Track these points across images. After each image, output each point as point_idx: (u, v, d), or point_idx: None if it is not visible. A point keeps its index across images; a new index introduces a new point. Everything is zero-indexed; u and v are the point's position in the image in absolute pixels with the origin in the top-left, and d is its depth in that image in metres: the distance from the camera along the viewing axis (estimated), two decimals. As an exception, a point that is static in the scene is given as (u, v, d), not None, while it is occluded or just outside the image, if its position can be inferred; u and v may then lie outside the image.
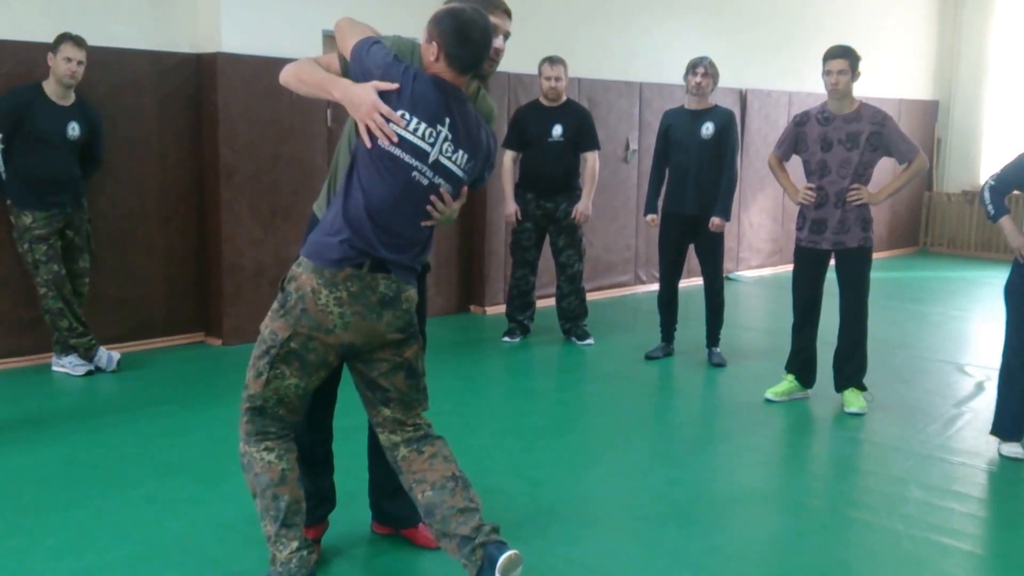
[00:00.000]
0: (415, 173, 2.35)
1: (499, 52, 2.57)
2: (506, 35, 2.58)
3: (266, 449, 2.44)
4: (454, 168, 2.41)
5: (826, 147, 4.28)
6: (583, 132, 5.46)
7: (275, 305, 2.42)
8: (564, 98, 5.51)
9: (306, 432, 2.74)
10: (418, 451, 2.51)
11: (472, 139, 2.43)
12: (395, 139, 2.32)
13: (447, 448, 2.56)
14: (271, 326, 2.41)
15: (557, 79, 5.41)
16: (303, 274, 2.37)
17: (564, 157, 5.47)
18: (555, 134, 5.43)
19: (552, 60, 5.44)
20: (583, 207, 5.47)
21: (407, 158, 2.33)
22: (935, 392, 4.82)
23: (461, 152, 2.40)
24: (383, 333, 2.41)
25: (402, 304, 2.43)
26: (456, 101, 2.39)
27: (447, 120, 2.36)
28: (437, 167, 2.37)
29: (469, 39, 2.34)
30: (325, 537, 2.86)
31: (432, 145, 2.35)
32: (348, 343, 2.40)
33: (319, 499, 2.79)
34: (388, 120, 2.30)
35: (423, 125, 2.33)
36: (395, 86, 2.30)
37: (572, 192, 5.51)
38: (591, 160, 5.51)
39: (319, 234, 2.40)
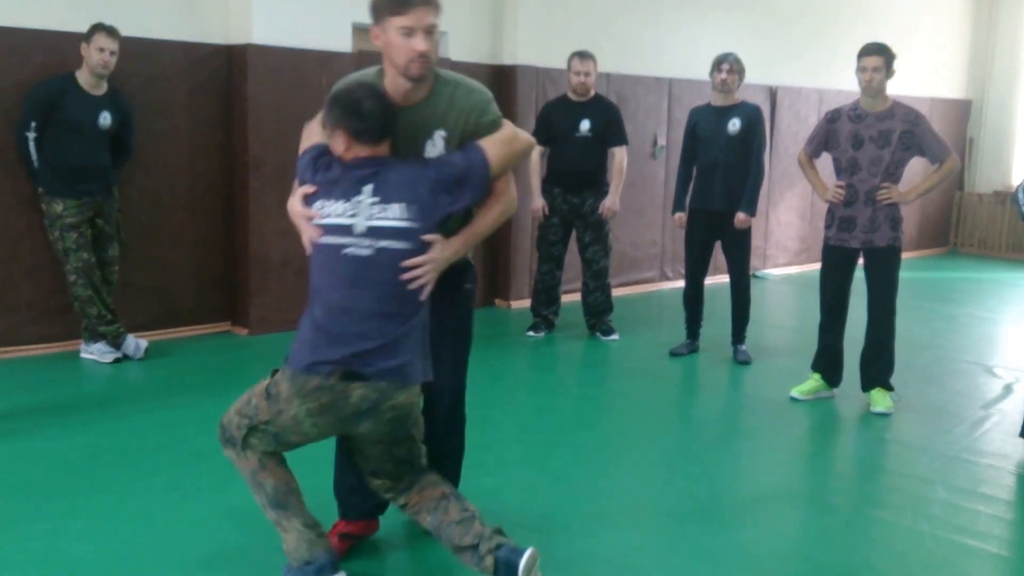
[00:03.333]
0: (349, 249, 2.28)
1: (425, 54, 2.35)
2: (430, 29, 2.36)
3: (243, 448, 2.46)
4: (395, 223, 2.28)
5: (857, 145, 4.23)
6: (611, 127, 5.44)
7: (266, 382, 2.40)
8: (593, 93, 5.49)
9: None
10: (407, 491, 2.53)
11: (406, 186, 2.31)
12: (319, 235, 2.32)
13: (431, 474, 2.57)
14: (255, 400, 2.39)
15: (586, 74, 5.38)
16: (282, 380, 2.34)
17: (591, 152, 5.45)
18: (583, 129, 5.41)
19: (582, 55, 5.42)
20: (610, 203, 5.45)
21: (334, 239, 2.30)
22: (963, 393, 4.76)
23: (395, 205, 2.29)
24: (365, 435, 2.38)
25: (384, 414, 2.32)
26: (377, 165, 2.32)
27: (368, 186, 2.29)
28: (373, 232, 2.28)
29: (363, 112, 2.29)
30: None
31: (354, 216, 2.28)
32: (329, 435, 2.42)
33: (365, 493, 2.72)
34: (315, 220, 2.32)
35: (340, 203, 2.30)
36: (312, 188, 2.34)
37: (599, 187, 5.49)
38: (619, 155, 5.48)
39: (296, 337, 2.37)
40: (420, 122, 2.46)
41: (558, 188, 5.49)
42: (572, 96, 5.49)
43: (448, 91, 2.48)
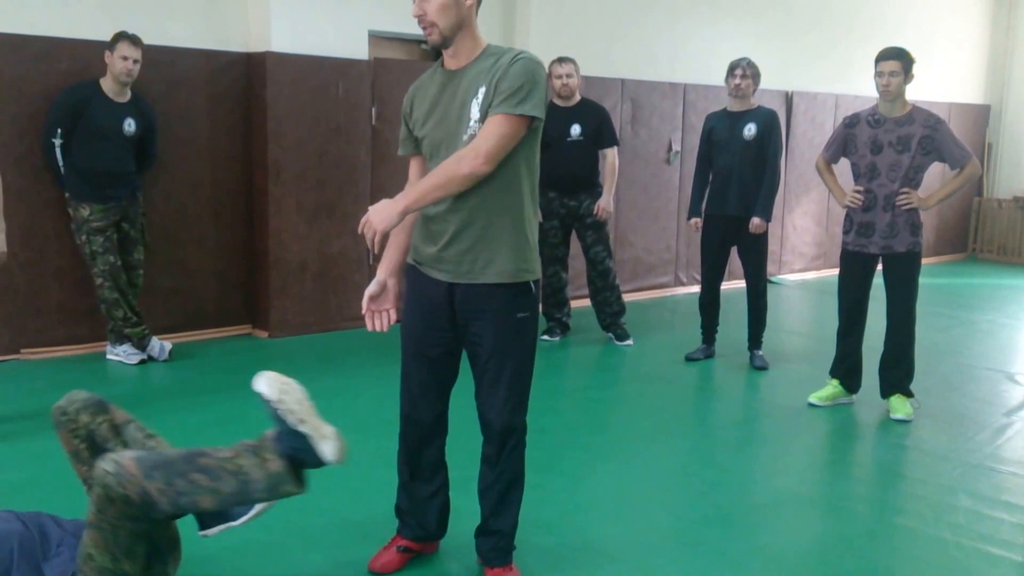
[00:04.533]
0: None
1: (420, 17, 2.36)
2: None
3: None
4: None
5: (876, 150, 4.23)
6: (601, 129, 5.49)
7: None
8: (578, 97, 5.53)
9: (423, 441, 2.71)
10: None
11: None
12: None
13: None
14: None
15: (568, 76, 5.42)
16: None
17: (584, 155, 5.49)
18: (574, 133, 5.45)
19: (561, 59, 5.48)
20: (604, 203, 5.50)
21: None
22: (984, 400, 4.74)
23: None
24: None
25: None
26: None
27: None
28: None
29: None
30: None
31: None
32: None
33: (420, 519, 2.73)
34: None
35: None
36: None
37: (594, 189, 5.54)
38: (610, 156, 5.53)
39: None
40: (464, 85, 2.44)
41: (554, 192, 5.52)
42: (558, 101, 5.52)
43: (497, 52, 2.45)
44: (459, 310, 2.52)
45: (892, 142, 4.19)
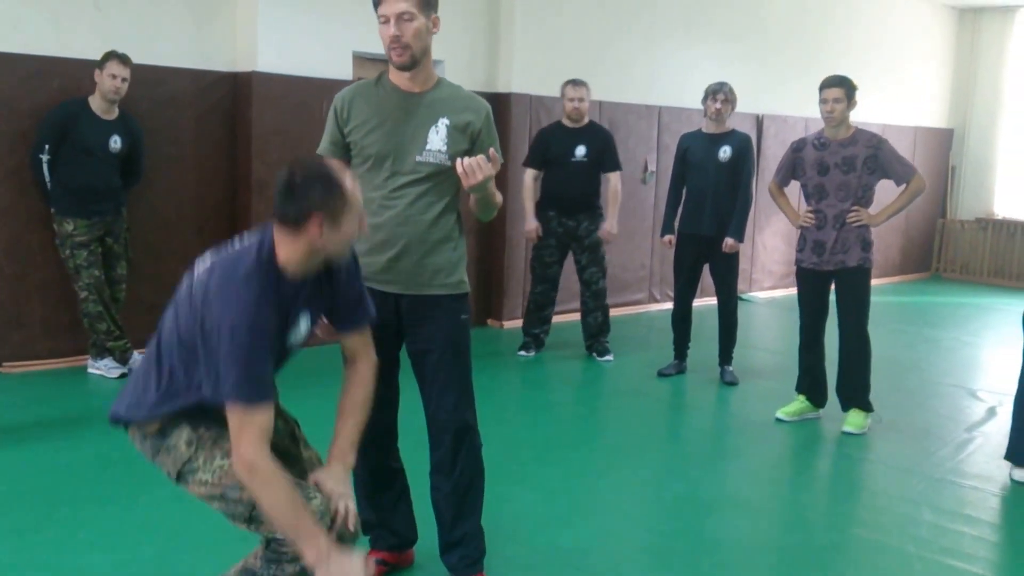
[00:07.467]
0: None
1: (397, 38, 2.46)
2: (402, 16, 2.43)
3: None
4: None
5: (823, 171, 4.37)
6: (606, 153, 5.58)
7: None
8: (586, 119, 5.63)
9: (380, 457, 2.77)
10: None
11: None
12: None
13: None
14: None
15: (580, 100, 5.53)
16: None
17: (586, 177, 5.58)
18: (578, 154, 5.54)
19: (575, 82, 5.57)
20: (609, 226, 5.59)
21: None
22: (947, 416, 4.88)
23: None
24: None
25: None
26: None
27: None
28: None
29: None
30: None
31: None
32: None
33: (390, 528, 2.79)
34: None
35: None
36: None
37: (593, 211, 5.62)
38: (613, 180, 5.62)
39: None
40: (421, 109, 2.55)
41: (553, 211, 5.61)
42: (567, 122, 5.63)
43: (452, 88, 2.64)
44: (405, 319, 2.63)
45: (838, 163, 4.34)
